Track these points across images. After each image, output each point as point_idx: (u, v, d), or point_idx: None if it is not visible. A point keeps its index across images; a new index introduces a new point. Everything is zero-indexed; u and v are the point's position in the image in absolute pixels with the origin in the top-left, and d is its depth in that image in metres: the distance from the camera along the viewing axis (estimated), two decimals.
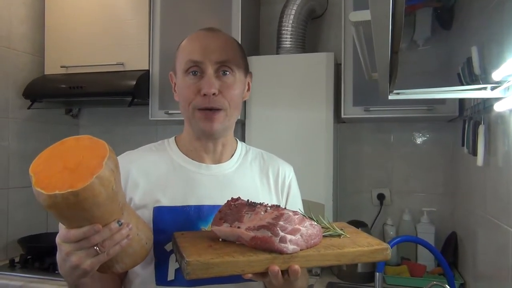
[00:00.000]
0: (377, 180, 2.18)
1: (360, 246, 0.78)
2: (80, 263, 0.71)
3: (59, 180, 0.65)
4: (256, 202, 0.87)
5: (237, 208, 0.85)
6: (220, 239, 0.82)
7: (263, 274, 0.73)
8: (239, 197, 0.90)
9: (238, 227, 0.79)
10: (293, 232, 0.75)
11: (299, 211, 0.99)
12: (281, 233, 0.74)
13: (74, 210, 0.65)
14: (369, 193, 2.18)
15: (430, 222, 1.99)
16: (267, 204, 0.86)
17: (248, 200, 0.88)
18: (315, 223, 0.82)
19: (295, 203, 1.07)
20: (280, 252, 0.73)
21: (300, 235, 0.76)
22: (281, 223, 0.75)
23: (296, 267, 0.73)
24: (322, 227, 0.86)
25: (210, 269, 0.70)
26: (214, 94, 0.92)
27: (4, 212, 2.12)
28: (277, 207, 0.83)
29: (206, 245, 0.78)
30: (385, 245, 0.78)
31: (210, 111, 0.94)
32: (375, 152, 2.19)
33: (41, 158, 0.70)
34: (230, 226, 0.80)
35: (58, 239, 0.73)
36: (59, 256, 0.74)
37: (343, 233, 0.85)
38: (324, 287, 1.79)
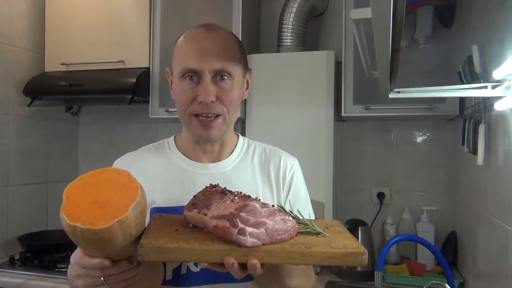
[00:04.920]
0: (377, 179, 2.18)
1: (333, 247, 0.71)
2: (85, 287, 0.75)
3: (85, 212, 0.67)
4: (233, 191, 0.84)
5: (210, 195, 0.83)
6: (191, 225, 0.80)
7: (223, 266, 0.70)
8: (217, 184, 0.89)
9: (205, 214, 0.77)
10: (256, 225, 0.71)
11: (282, 194, 0.97)
12: (240, 225, 0.70)
13: (90, 243, 0.68)
14: (369, 191, 2.18)
15: (430, 221, 1.99)
16: (241, 193, 0.82)
17: (224, 188, 0.86)
18: (290, 218, 0.76)
19: (298, 198, 1.03)
20: (239, 245, 0.69)
21: (265, 229, 0.71)
22: (242, 214, 0.71)
23: (254, 261, 0.68)
24: (300, 223, 0.81)
25: (163, 253, 0.68)
26: (212, 101, 0.90)
27: (4, 209, 2.12)
28: (246, 197, 0.79)
29: (173, 229, 0.76)
30: (361, 249, 0.70)
31: (207, 118, 0.92)
32: (375, 151, 2.19)
33: (79, 182, 0.73)
34: (199, 213, 0.78)
35: (72, 259, 0.77)
36: (69, 272, 0.78)
37: (322, 231, 0.77)
38: (323, 286, 1.79)
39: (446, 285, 1.34)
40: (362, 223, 1.92)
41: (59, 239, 2.14)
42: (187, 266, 0.94)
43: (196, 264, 0.94)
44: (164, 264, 0.92)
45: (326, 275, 1.91)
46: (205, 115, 0.92)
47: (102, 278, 0.73)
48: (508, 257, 1.14)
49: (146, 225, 0.78)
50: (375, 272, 1.46)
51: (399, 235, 1.80)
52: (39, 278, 1.81)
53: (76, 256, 0.75)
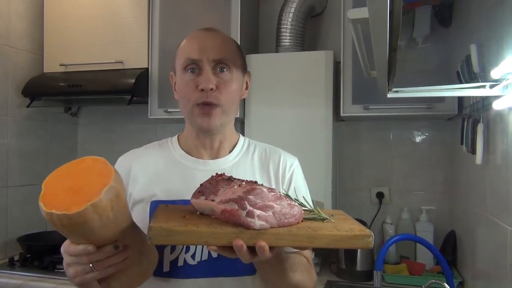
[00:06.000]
0: (376, 179, 2.18)
1: (339, 230, 0.72)
2: (76, 275, 0.76)
3: (61, 199, 0.69)
4: (240, 178, 0.86)
5: (216, 183, 0.84)
6: (198, 212, 0.82)
7: (231, 250, 0.70)
8: (223, 173, 0.91)
9: (212, 200, 0.78)
10: (264, 208, 0.72)
11: (281, 191, 0.97)
12: (249, 207, 0.71)
13: (68, 230, 0.70)
14: (368, 191, 2.18)
15: (429, 220, 1.99)
16: (247, 180, 0.84)
17: (230, 176, 0.88)
18: (296, 204, 0.78)
19: (298, 195, 1.02)
20: (247, 227, 0.70)
21: (272, 213, 0.72)
22: (250, 197, 0.73)
23: (263, 243, 0.69)
24: (306, 210, 0.83)
25: (172, 236, 0.69)
26: (211, 89, 0.95)
27: (3, 210, 2.11)
28: (253, 183, 0.81)
29: (180, 216, 0.78)
30: (367, 232, 0.72)
31: (208, 106, 0.96)
32: (374, 151, 2.19)
33: (58, 173, 0.75)
34: (206, 199, 0.80)
35: (62, 248, 0.78)
36: (64, 262, 0.80)
37: (328, 217, 0.79)
38: (323, 285, 1.79)
39: (445, 284, 1.34)
40: (361, 222, 1.92)
41: (59, 240, 2.11)
42: (184, 258, 0.96)
43: (193, 257, 0.95)
44: (162, 255, 0.94)
45: (325, 275, 1.91)
46: (206, 103, 0.96)
47: (90, 265, 0.74)
48: (506, 256, 1.14)
49: (127, 210, 0.79)
50: (375, 271, 1.46)
51: (398, 234, 1.80)
52: (38, 279, 1.81)
53: (64, 245, 0.77)
